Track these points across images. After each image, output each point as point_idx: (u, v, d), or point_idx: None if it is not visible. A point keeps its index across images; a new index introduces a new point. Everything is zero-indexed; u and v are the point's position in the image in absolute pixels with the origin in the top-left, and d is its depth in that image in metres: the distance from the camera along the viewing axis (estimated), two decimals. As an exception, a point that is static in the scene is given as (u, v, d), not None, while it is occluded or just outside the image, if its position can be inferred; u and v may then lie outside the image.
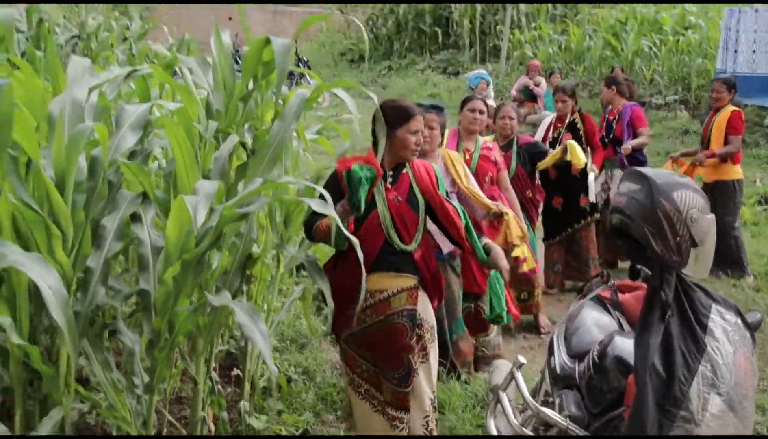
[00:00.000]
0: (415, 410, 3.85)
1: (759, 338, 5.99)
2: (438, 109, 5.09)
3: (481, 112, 5.64)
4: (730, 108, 7.69)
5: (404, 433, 3.83)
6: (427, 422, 3.89)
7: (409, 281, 3.81)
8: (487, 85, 12.31)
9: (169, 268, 3.08)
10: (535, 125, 11.38)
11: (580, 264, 7.27)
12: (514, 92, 14.28)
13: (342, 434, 4.49)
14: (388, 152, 3.81)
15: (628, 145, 7.60)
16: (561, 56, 19.31)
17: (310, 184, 3.24)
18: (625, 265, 7.64)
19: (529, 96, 13.84)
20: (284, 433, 4.40)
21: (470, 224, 3.92)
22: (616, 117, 7.86)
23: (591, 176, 7.13)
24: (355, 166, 3.42)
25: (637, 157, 7.71)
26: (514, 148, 6.35)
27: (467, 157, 5.57)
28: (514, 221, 4.84)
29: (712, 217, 2.72)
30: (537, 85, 13.93)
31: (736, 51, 14.53)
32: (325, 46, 24.54)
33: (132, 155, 3.53)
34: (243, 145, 3.70)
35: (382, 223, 3.72)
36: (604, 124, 7.91)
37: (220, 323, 3.69)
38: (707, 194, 7.71)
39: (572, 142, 6.42)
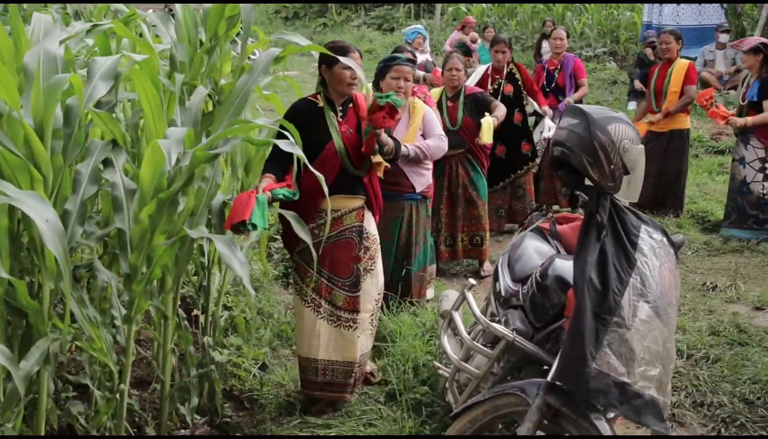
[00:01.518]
0: (363, 311, 4.40)
1: (681, 269, 6.47)
2: (412, 61, 5.47)
3: (457, 69, 6.38)
4: (686, 61, 8.17)
5: (356, 331, 4.36)
6: (372, 319, 4.50)
7: (358, 201, 4.38)
8: (424, 39, 12.58)
9: (144, 207, 3.31)
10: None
11: (524, 207, 7.64)
12: (448, 47, 14.54)
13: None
14: (333, 88, 4.29)
15: (571, 98, 8.04)
16: (494, 11, 19.62)
17: (276, 127, 3.46)
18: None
19: (464, 51, 14.13)
20: (245, 365, 4.69)
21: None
22: (558, 67, 8.23)
23: (546, 119, 7.57)
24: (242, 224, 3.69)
25: None
26: (461, 98, 6.59)
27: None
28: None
29: (641, 147, 3.03)
30: (474, 41, 14.25)
31: (660, 4, 15.01)
32: (259, 4, 24.39)
33: (97, 106, 3.71)
34: (209, 96, 3.91)
35: (338, 152, 4.24)
36: (544, 73, 8.26)
37: (188, 259, 3.92)
38: (664, 143, 8.18)
39: (486, 120, 6.42)
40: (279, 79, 5.36)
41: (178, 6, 3.99)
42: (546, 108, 7.77)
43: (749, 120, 7.21)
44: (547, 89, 8.25)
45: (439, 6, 20.31)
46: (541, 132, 7.94)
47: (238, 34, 4.19)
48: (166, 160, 3.22)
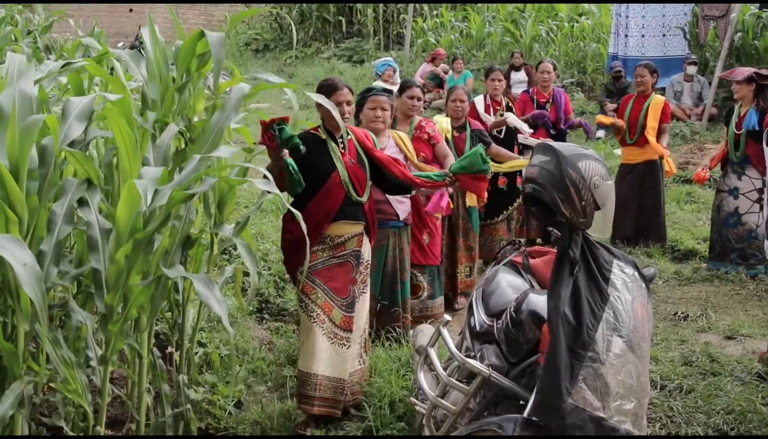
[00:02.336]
0: (355, 331, 4.68)
1: (653, 299, 6.53)
2: (388, 92, 5.56)
3: (418, 98, 6.09)
4: (662, 97, 8.32)
5: (348, 349, 4.61)
6: (364, 340, 4.79)
7: (359, 227, 4.70)
8: (394, 71, 12.69)
9: (121, 247, 3.30)
10: (440, 110, 11.78)
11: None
12: (419, 79, 14.67)
13: (275, 404, 4.78)
14: (327, 123, 4.64)
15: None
16: (463, 43, 19.81)
17: (258, 168, 3.48)
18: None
19: (437, 82, 14.27)
20: (220, 403, 4.67)
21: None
22: (549, 100, 8.32)
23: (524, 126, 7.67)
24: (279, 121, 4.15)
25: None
26: (468, 131, 6.67)
27: None
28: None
29: (611, 183, 3.10)
30: (445, 72, 14.42)
31: (626, 36, 15.26)
32: (229, 36, 24.44)
33: (71, 145, 3.71)
34: (182, 133, 3.93)
35: (342, 181, 4.56)
36: (534, 106, 8.32)
37: (163, 298, 3.91)
38: (639, 176, 8.30)
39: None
40: (251, 112, 5.38)
41: (148, 43, 4.01)
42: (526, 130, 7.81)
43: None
44: (538, 122, 8.29)
45: (408, 37, 20.48)
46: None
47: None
48: (142, 201, 3.24)
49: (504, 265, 4.02)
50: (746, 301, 6.85)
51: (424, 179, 4.76)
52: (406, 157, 5.36)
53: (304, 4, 22.92)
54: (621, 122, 8.29)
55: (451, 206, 6.20)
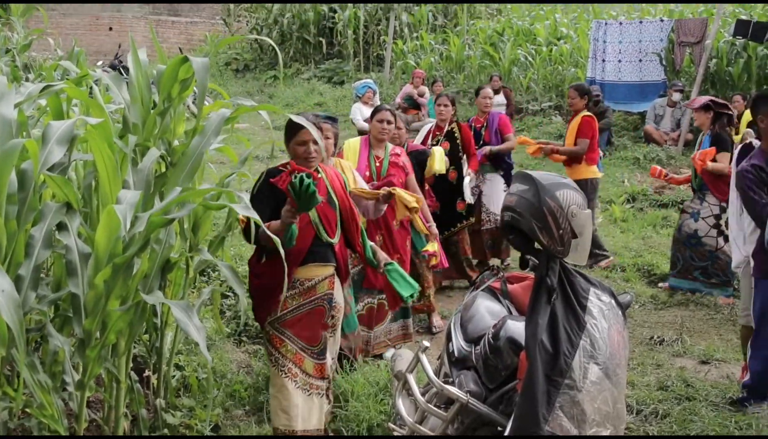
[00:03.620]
0: (328, 374, 4.43)
1: (629, 323, 6.60)
2: (332, 119, 5.50)
3: (389, 122, 6.04)
4: (584, 113, 8.41)
5: (323, 397, 4.39)
6: (328, 385, 4.49)
7: (330, 269, 4.41)
8: (374, 93, 12.75)
9: (100, 272, 3.30)
10: (417, 131, 11.86)
11: (457, 264, 7.72)
12: (398, 100, 14.75)
13: (253, 428, 4.76)
14: (297, 162, 4.29)
15: (493, 148, 8.18)
16: (442, 65, 19.94)
17: (239, 193, 3.49)
18: (495, 261, 8.31)
19: (413, 104, 14.34)
20: (198, 427, 4.64)
21: (364, 231, 4.63)
22: (484, 124, 8.36)
23: (466, 180, 7.63)
24: (302, 177, 3.81)
25: (506, 161, 8.39)
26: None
27: (377, 164, 6.02)
28: (403, 192, 5.34)
29: (588, 212, 3.14)
30: (422, 95, 14.49)
31: (603, 60, 15.43)
32: (209, 56, 24.44)
33: (51, 168, 3.71)
34: (162, 157, 3.94)
35: (312, 221, 4.28)
36: (471, 132, 8.35)
37: (141, 323, 3.90)
38: None
39: (435, 149, 6.85)
40: (231, 134, 5.39)
41: (131, 67, 4.02)
42: (469, 170, 7.80)
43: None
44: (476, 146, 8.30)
45: (388, 59, 20.60)
46: (472, 188, 7.98)
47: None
48: (121, 226, 3.23)
49: (482, 290, 4.05)
50: (720, 325, 6.91)
51: (364, 253, 4.63)
52: (345, 184, 4.94)
53: (284, 26, 22.99)
54: (534, 147, 8.44)
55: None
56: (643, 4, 20.08)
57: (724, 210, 7.15)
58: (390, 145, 6.16)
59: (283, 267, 3.67)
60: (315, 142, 4.25)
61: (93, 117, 3.88)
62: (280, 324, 4.28)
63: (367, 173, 5.98)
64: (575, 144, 8.33)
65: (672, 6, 18.41)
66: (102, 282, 3.28)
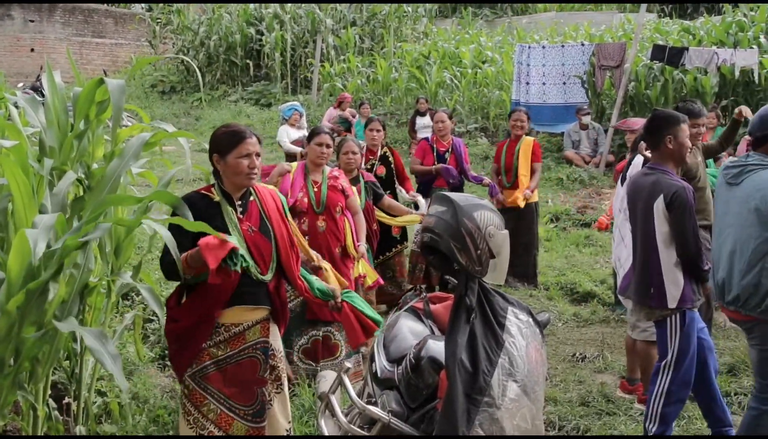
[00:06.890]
0: None
1: (551, 341, 6.72)
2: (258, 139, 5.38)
3: (327, 146, 5.80)
4: (530, 138, 8.56)
5: None
6: None
7: (263, 312, 3.79)
8: (301, 116, 12.78)
9: (12, 298, 3.23)
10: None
11: (394, 287, 7.73)
12: (327, 123, 14.77)
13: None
14: (228, 180, 3.72)
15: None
16: (369, 88, 20.07)
17: (172, 218, 3.45)
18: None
19: (346, 127, 14.40)
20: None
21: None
22: (449, 149, 8.38)
23: (420, 199, 7.67)
24: (241, 261, 3.38)
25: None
26: (362, 182, 6.63)
27: (316, 189, 5.75)
28: (332, 274, 4.60)
29: (505, 232, 3.19)
30: (353, 116, 14.58)
31: (528, 83, 15.72)
32: (135, 78, 24.16)
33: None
34: (80, 180, 3.88)
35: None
36: (433, 154, 8.34)
37: (58, 349, 3.82)
38: (515, 218, 8.46)
39: (413, 218, 6.93)
40: (155, 154, 5.34)
41: (47, 89, 3.96)
42: (415, 194, 7.86)
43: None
44: (445, 178, 8.31)
45: (315, 82, 20.66)
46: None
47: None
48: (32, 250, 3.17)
49: (405, 311, 4.07)
50: (641, 342, 7.07)
51: (308, 290, 3.96)
52: (284, 207, 4.10)
53: (211, 48, 22.88)
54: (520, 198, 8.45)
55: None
56: (566, 29, 20.58)
57: None
58: (327, 169, 5.92)
59: (200, 308, 3.38)
60: (258, 155, 3.72)
61: (9, 140, 3.82)
62: (202, 378, 3.63)
63: (306, 200, 5.72)
64: (532, 169, 8.48)
65: (593, 30, 18.89)
66: (15, 308, 3.21)
